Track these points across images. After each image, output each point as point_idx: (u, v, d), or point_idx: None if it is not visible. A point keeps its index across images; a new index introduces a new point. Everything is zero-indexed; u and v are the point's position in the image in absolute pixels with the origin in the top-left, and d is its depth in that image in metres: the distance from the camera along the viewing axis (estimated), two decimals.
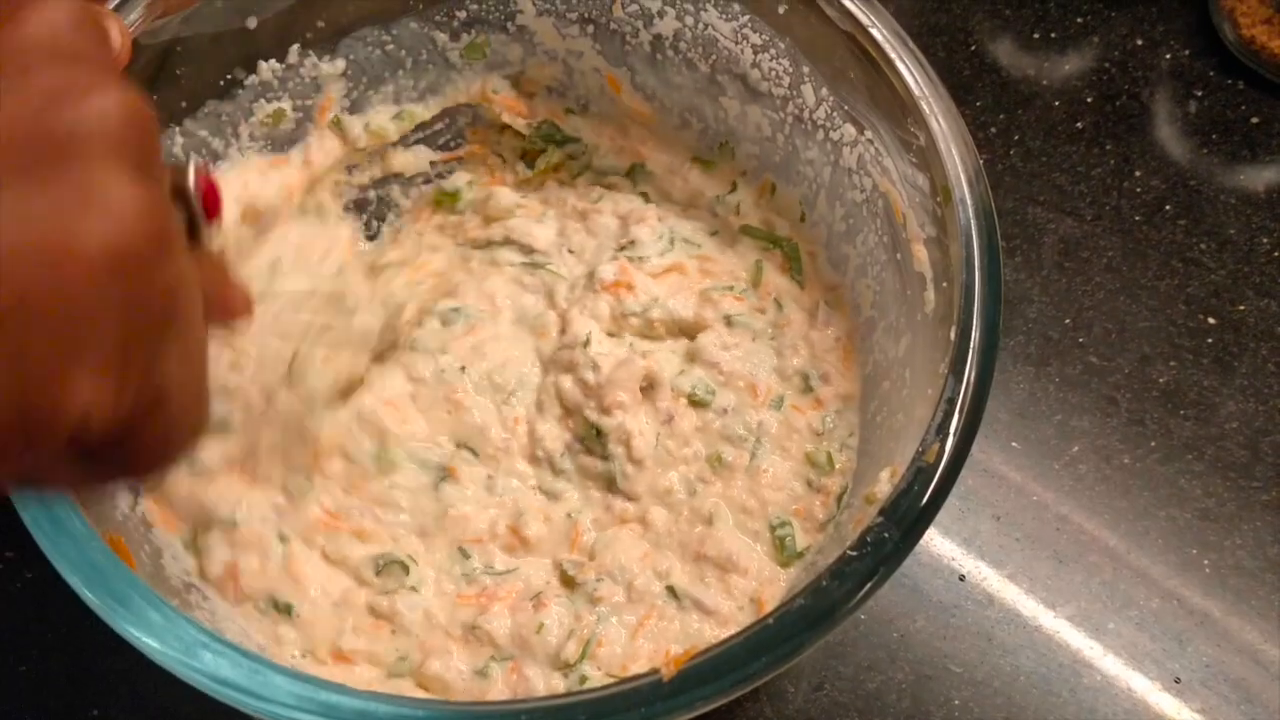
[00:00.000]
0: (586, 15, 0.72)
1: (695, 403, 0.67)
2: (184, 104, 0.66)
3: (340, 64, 0.72)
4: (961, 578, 0.72)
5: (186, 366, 0.35)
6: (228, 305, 0.44)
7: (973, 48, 0.94)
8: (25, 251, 0.29)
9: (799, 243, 0.73)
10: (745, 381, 0.68)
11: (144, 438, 0.35)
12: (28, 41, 0.32)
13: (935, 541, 0.73)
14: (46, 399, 0.30)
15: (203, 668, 0.44)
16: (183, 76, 0.65)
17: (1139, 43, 0.94)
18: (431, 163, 0.78)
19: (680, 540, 0.64)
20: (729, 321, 0.70)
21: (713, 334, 0.69)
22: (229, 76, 0.68)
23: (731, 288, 0.71)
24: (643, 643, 0.61)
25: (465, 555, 0.64)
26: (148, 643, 0.45)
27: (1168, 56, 0.93)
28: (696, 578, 0.63)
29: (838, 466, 0.65)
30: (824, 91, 0.66)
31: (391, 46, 0.73)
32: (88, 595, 0.46)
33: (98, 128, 0.31)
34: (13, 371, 0.29)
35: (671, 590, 0.63)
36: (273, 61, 0.69)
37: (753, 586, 0.62)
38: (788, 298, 0.72)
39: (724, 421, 0.67)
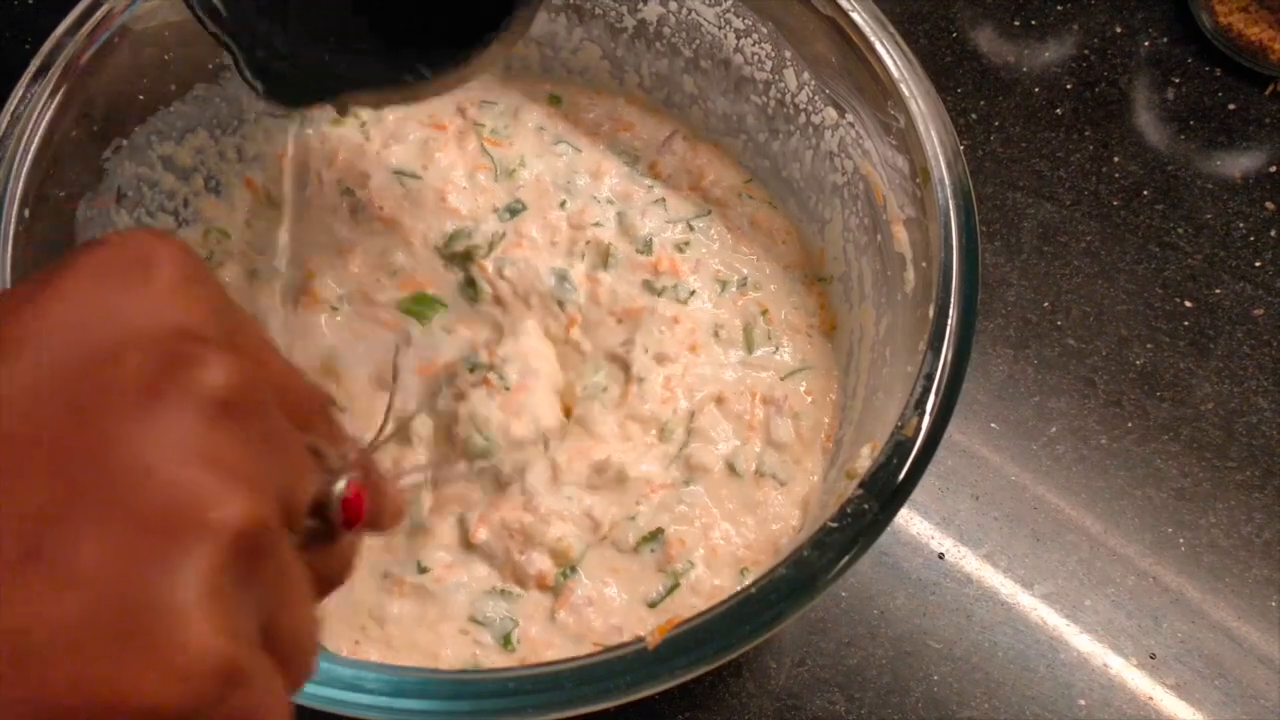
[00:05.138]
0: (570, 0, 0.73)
1: None
2: (173, 87, 0.67)
3: None
4: (941, 556, 0.73)
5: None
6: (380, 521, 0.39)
7: (954, 35, 0.95)
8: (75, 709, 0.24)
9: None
10: None
11: None
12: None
13: (915, 520, 0.74)
14: None
15: None
16: (171, 61, 0.66)
17: (1118, 30, 0.95)
18: None
19: None
20: None
21: None
22: (219, 60, 0.69)
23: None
24: None
25: None
26: None
27: (1146, 44, 0.94)
28: None
29: None
30: (805, 75, 0.67)
31: None
32: None
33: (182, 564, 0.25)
34: None
35: None
36: None
37: None
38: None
39: None
